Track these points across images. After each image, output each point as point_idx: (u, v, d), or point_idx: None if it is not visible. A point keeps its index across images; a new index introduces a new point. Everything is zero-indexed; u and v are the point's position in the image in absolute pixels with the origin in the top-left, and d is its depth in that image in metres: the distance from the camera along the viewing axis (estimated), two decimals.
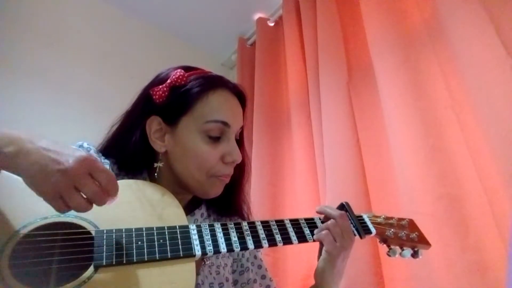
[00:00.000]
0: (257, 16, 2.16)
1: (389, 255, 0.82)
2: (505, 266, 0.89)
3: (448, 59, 1.20)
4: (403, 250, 0.82)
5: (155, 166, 0.79)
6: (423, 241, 0.84)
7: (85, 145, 0.81)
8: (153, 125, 0.80)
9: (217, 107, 0.79)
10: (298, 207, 1.54)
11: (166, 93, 0.79)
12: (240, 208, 0.91)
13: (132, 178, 0.81)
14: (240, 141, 0.87)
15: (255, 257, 0.93)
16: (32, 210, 0.58)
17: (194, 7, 2.15)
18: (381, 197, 1.28)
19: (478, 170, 1.05)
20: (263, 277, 0.92)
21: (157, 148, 0.79)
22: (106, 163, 0.80)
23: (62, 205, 0.53)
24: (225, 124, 0.78)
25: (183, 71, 0.81)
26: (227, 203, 0.90)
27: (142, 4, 2.12)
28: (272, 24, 2.14)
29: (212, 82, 0.81)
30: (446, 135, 1.14)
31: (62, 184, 0.51)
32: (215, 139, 0.78)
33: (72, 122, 1.68)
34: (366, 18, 1.45)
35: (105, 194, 0.55)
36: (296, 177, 1.60)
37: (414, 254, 0.83)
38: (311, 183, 1.52)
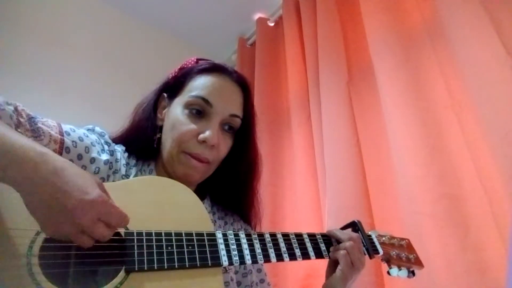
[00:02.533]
0: (257, 16, 2.16)
1: (389, 274, 0.85)
2: (505, 266, 0.89)
3: (448, 59, 1.20)
4: (400, 269, 0.85)
5: (154, 138, 0.82)
6: (418, 263, 0.88)
7: (98, 129, 0.81)
8: (162, 102, 0.86)
9: (203, 85, 0.80)
10: (298, 207, 1.54)
11: (176, 74, 0.85)
12: (245, 210, 0.91)
13: (140, 165, 0.82)
14: (246, 136, 0.86)
15: None
16: None
17: (194, 7, 2.15)
18: (381, 197, 1.28)
19: (478, 170, 1.05)
20: (262, 281, 0.92)
21: (158, 122, 0.83)
22: (117, 151, 0.79)
23: (68, 241, 0.49)
24: (206, 101, 0.78)
25: (196, 58, 0.87)
26: (231, 200, 0.89)
27: (142, 4, 2.12)
28: (272, 24, 2.14)
29: (211, 67, 0.83)
30: (446, 135, 1.14)
31: (67, 229, 0.48)
32: (197, 117, 0.78)
33: (72, 122, 1.68)
34: (366, 18, 1.45)
35: (113, 231, 0.53)
36: (296, 177, 1.60)
37: (409, 274, 0.86)
38: (311, 183, 1.52)
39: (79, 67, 1.85)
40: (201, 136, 0.76)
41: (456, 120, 1.14)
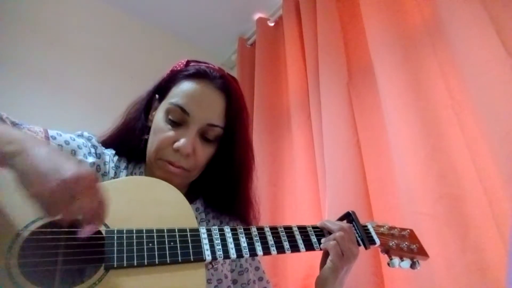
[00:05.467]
0: (257, 16, 2.16)
1: (390, 266, 0.83)
2: (505, 266, 0.89)
3: (448, 59, 1.20)
4: (402, 260, 0.83)
5: (142, 138, 0.82)
6: (422, 253, 0.85)
7: (86, 134, 0.81)
8: (154, 103, 0.86)
9: (183, 93, 0.79)
10: (298, 207, 1.54)
11: (166, 76, 0.86)
12: (240, 209, 0.90)
13: (131, 168, 0.83)
14: (232, 142, 0.84)
15: (253, 258, 0.93)
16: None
17: (194, 7, 2.15)
18: (381, 197, 1.28)
19: (478, 170, 1.05)
20: (260, 279, 0.92)
21: (149, 123, 0.84)
22: (105, 154, 0.80)
23: (54, 212, 0.51)
24: (183, 110, 0.77)
25: (188, 59, 0.86)
26: (226, 202, 0.89)
27: (142, 4, 2.12)
28: (272, 24, 2.14)
29: (195, 73, 0.82)
30: (446, 135, 1.14)
31: (59, 194, 0.49)
32: (176, 124, 0.78)
33: (72, 122, 1.68)
34: (366, 18, 1.45)
35: (94, 217, 0.53)
36: (296, 177, 1.60)
37: (413, 265, 0.84)
38: (311, 183, 1.52)
39: (79, 67, 1.85)
40: (176, 144, 0.76)
41: (456, 120, 1.14)
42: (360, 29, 1.50)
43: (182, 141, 0.75)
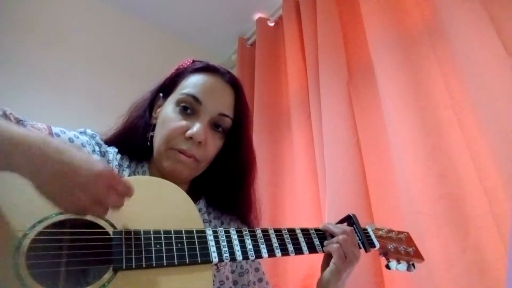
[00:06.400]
0: (257, 16, 2.16)
1: (387, 268, 0.84)
2: (505, 266, 0.89)
3: (448, 59, 1.20)
4: (399, 263, 0.84)
5: (147, 136, 0.83)
6: (418, 256, 0.87)
7: (89, 131, 0.81)
8: (158, 101, 0.88)
9: (195, 83, 0.81)
10: (298, 207, 1.54)
11: (172, 74, 0.87)
12: (242, 209, 0.90)
13: (134, 166, 0.83)
14: (238, 137, 0.85)
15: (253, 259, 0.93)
16: (47, 205, 0.53)
17: (194, 7, 2.15)
18: (381, 197, 1.28)
19: (478, 170, 1.05)
20: (260, 280, 0.92)
21: (152, 121, 0.85)
22: (109, 152, 0.80)
23: (83, 214, 0.54)
24: (195, 99, 0.79)
25: (192, 59, 0.88)
26: (227, 201, 0.89)
27: (142, 4, 2.12)
28: (272, 24, 2.14)
29: (204, 67, 0.84)
30: (446, 135, 1.14)
31: (83, 200, 0.51)
32: (187, 114, 0.79)
33: (72, 122, 1.67)
34: (366, 18, 1.45)
35: (123, 200, 0.57)
36: (296, 177, 1.60)
37: (409, 268, 0.85)
38: (311, 183, 1.52)
39: (79, 67, 1.85)
40: (188, 132, 0.76)
41: (456, 120, 1.14)
42: (360, 29, 1.50)
43: (195, 128, 0.76)
